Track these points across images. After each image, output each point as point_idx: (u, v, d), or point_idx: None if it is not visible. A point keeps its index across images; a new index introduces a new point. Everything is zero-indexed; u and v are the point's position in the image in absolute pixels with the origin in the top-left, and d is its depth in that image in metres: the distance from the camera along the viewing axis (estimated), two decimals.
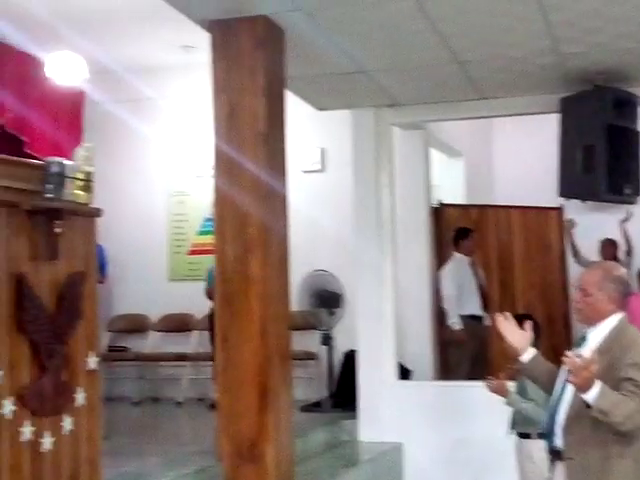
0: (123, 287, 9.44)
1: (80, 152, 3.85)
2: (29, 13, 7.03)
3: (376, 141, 7.39)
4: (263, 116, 4.97)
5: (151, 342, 9.52)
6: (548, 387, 3.82)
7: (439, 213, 8.88)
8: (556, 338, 8.48)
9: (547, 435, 3.77)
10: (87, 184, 3.86)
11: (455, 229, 8.72)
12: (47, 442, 3.79)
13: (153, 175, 9.62)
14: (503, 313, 3.86)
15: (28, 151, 8.16)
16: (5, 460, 3.57)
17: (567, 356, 3.39)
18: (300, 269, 6.71)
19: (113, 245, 8.65)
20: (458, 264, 8.48)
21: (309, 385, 8.60)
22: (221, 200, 5.04)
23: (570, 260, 9.31)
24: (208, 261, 7.50)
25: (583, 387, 3.38)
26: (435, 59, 5.96)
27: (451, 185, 9.95)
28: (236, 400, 4.93)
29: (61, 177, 3.68)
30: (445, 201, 9.12)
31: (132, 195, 9.51)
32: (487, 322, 8.06)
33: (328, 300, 8.06)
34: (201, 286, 8.27)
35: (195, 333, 9.21)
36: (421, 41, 5.56)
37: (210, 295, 8.22)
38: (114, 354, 9.25)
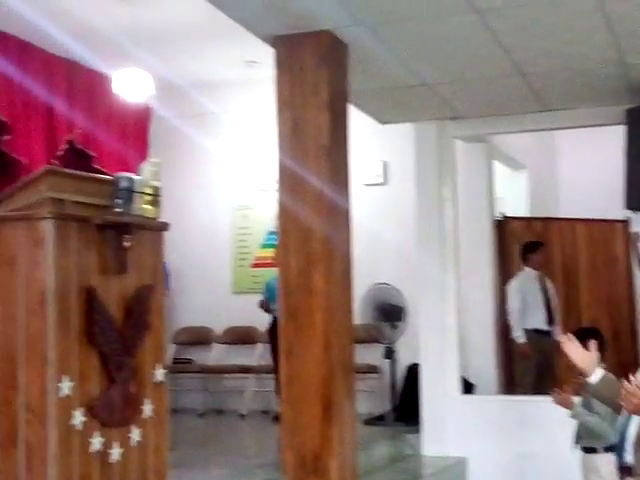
0: (188, 300, 9.54)
1: (148, 167, 3.93)
2: (97, 31, 7.19)
3: (439, 154, 7.38)
4: (326, 130, 4.99)
5: (215, 354, 9.60)
6: (616, 406, 3.76)
7: (502, 226, 8.82)
8: (623, 352, 8.36)
9: (617, 450, 3.72)
10: (155, 199, 3.93)
11: (524, 243, 8.66)
12: (116, 453, 3.86)
13: (217, 189, 9.73)
14: (567, 334, 3.80)
15: (96, 166, 8.35)
16: (75, 470, 3.65)
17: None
18: (363, 282, 6.70)
19: (178, 258, 8.76)
20: (525, 278, 8.41)
21: (372, 398, 8.60)
22: (284, 214, 5.08)
23: (636, 273, 9.16)
24: (271, 274, 7.56)
25: (636, 412, 3.35)
26: (498, 71, 5.94)
27: (515, 198, 9.88)
28: (300, 413, 4.94)
29: (130, 192, 3.76)
30: (508, 214, 9.05)
31: (196, 209, 9.62)
32: (555, 336, 7.97)
33: (391, 313, 8.06)
34: None
35: (259, 346, 9.26)
36: (484, 54, 5.55)
37: (266, 307, 8.29)
38: (179, 366, 9.35)
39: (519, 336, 8.16)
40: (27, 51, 7.77)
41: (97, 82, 8.53)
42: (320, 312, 4.91)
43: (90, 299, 3.75)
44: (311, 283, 4.93)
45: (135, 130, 9.22)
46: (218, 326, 9.58)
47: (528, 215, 9.76)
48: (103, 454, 3.79)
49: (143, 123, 9.34)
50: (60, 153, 8.11)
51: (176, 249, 7.77)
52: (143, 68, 7.20)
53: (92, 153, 8.51)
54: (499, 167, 9.26)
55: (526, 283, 8.37)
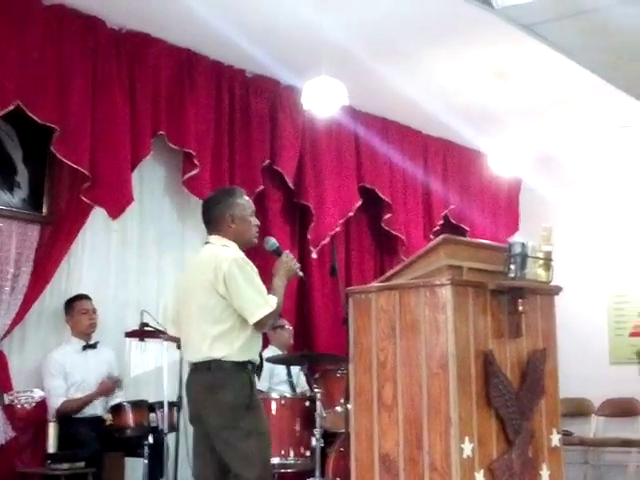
0: (564, 370, 9.32)
1: (540, 232, 4.00)
2: (470, 108, 7.44)
3: None
4: None
5: (594, 427, 9.31)
6: None
7: None
8: None
9: None
10: (547, 263, 3.99)
11: None
12: None
13: (591, 257, 9.50)
14: None
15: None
16: None
17: None
18: None
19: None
20: None
21: None
22: None
23: None
24: None
25: None
26: None
27: None
28: None
29: (523, 257, 3.85)
30: None
31: (571, 278, 9.45)
32: None
33: None
34: None
35: None
36: None
37: None
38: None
39: None
40: (407, 135, 8.22)
41: (469, 158, 8.80)
42: None
43: (487, 363, 3.85)
44: None
45: (505, 203, 9.36)
46: (595, 397, 9.30)
47: None
48: None
49: (513, 195, 9.46)
50: (436, 229, 8.43)
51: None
52: (517, 140, 7.34)
53: (465, 227, 8.75)
54: None
55: None
